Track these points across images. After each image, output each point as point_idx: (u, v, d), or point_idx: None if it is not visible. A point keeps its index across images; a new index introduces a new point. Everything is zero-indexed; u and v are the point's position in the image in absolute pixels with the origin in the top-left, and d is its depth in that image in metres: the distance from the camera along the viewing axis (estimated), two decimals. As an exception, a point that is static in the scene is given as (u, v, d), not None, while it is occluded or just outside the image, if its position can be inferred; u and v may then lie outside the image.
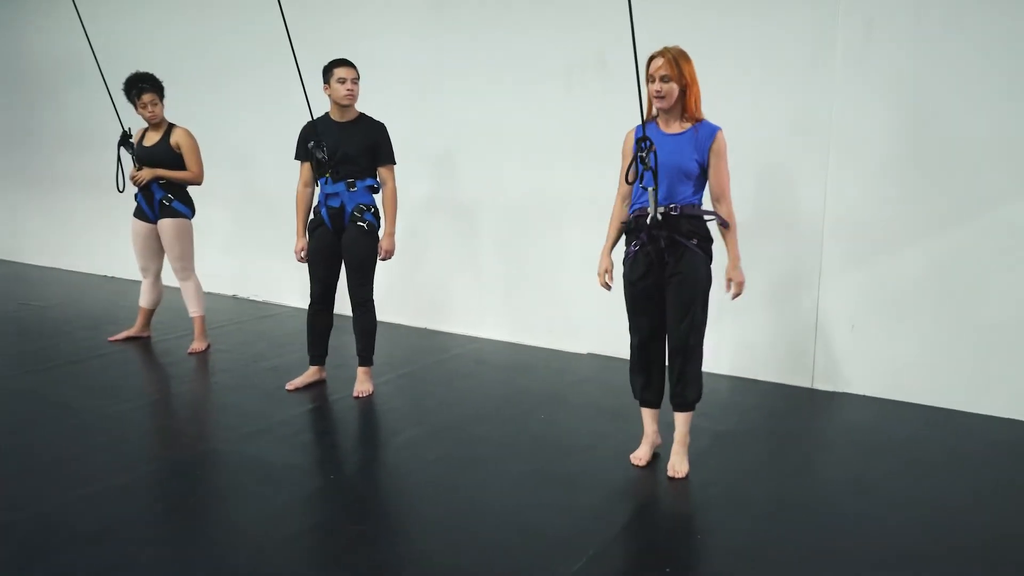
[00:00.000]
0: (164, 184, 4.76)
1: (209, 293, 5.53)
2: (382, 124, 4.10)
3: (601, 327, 4.73)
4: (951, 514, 2.83)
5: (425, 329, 5.48)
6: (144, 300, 5.10)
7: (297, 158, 4.15)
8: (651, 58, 2.98)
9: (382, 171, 4.13)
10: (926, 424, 3.74)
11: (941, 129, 3.82)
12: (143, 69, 4.73)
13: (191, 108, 5.54)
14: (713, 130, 3.02)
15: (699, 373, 3.15)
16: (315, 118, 4.06)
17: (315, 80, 3.97)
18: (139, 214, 4.87)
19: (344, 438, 3.71)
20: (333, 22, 5.59)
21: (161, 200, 4.77)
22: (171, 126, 4.80)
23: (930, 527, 2.73)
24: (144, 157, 4.73)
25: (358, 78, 3.98)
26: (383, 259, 4.17)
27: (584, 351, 4.91)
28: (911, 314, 3.99)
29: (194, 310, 4.93)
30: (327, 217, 4.06)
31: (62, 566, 2.43)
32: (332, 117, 4.05)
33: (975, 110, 3.73)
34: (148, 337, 5.17)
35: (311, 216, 4.17)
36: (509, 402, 4.02)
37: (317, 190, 4.15)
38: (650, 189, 2.91)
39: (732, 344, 4.41)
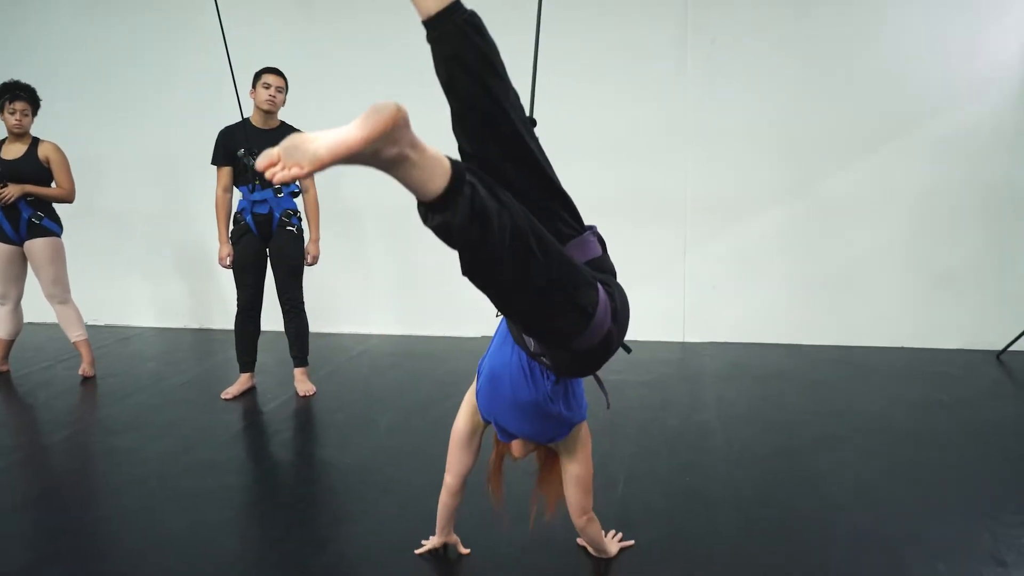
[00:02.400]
0: (32, 201, 4.40)
1: (34, 323, 5.18)
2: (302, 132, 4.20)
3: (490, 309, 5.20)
4: (784, 415, 3.74)
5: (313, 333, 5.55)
6: (2, 330, 4.63)
7: (215, 163, 4.12)
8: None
9: (304, 179, 4.23)
10: (777, 357, 4.71)
11: (773, 123, 4.81)
12: None
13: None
14: None
15: None
16: (233, 124, 4.09)
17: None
18: (-1, 235, 4.45)
19: (335, 429, 3.76)
20: (192, 19, 5.43)
21: (30, 218, 4.40)
22: (36, 139, 4.44)
23: (769, 430, 3.57)
24: (9, 172, 4.33)
25: (284, 88, 4.06)
26: (310, 264, 4.28)
27: (479, 335, 5.34)
28: (760, 272, 4.96)
29: (78, 333, 4.60)
30: (253, 224, 4.10)
31: None
32: (254, 123, 4.09)
33: (798, 107, 4.75)
34: (7, 371, 4.70)
35: (232, 224, 4.17)
36: (442, 381, 4.35)
37: (236, 196, 4.17)
38: None
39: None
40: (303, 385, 4.24)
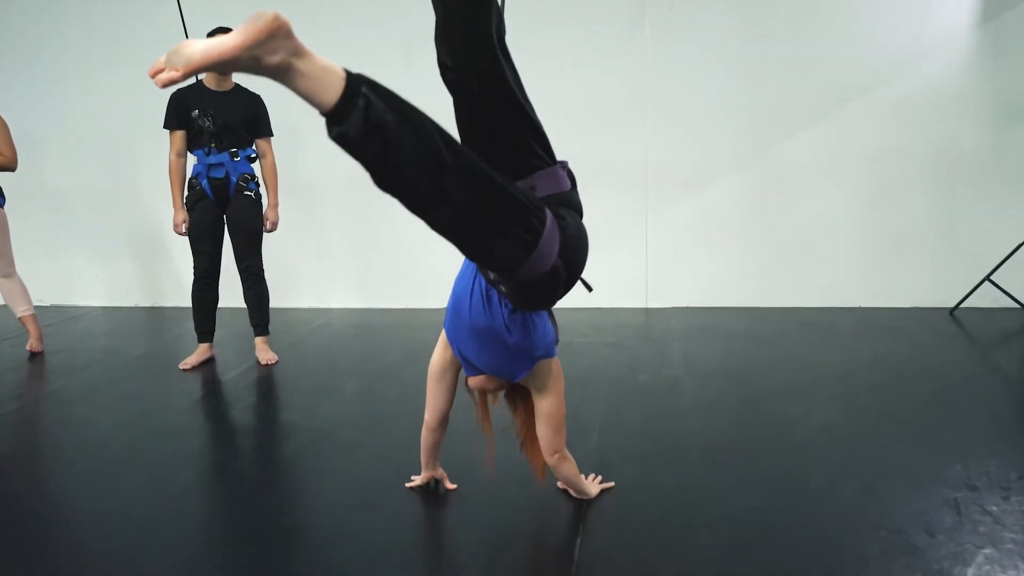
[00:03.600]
0: (-29, 170, 4.22)
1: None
2: (259, 96, 4.09)
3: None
4: (750, 368, 3.81)
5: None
6: (-58, 307, 4.44)
7: (167, 127, 3.98)
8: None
9: (261, 143, 4.13)
10: (740, 319, 4.76)
11: (728, 90, 4.84)
12: None
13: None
14: None
15: None
16: (185, 86, 3.96)
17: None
18: (-64, 207, 4.24)
19: (299, 395, 3.67)
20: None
21: (-30, 188, 4.22)
22: (-27, 106, 4.25)
23: (737, 382, 3.64)
24: (-54, 140, 4.14)
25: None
26: (268, 231, 4.18)
27: (435, 306, 5.28)
28: (721, 238, 4.99)
29: (24, 308, 4.41)
30: (209, 189, 3.98)
31: None
32: (207, 85, 3.97)
33: (754, 75, 4.79)
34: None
35: (187, 189, 4.05)
36: (406, 349, 4.28)
37: (190, 160, 4.04)
38: None
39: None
40: (264, 354, 4.13)
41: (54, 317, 5.31)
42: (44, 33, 5.43)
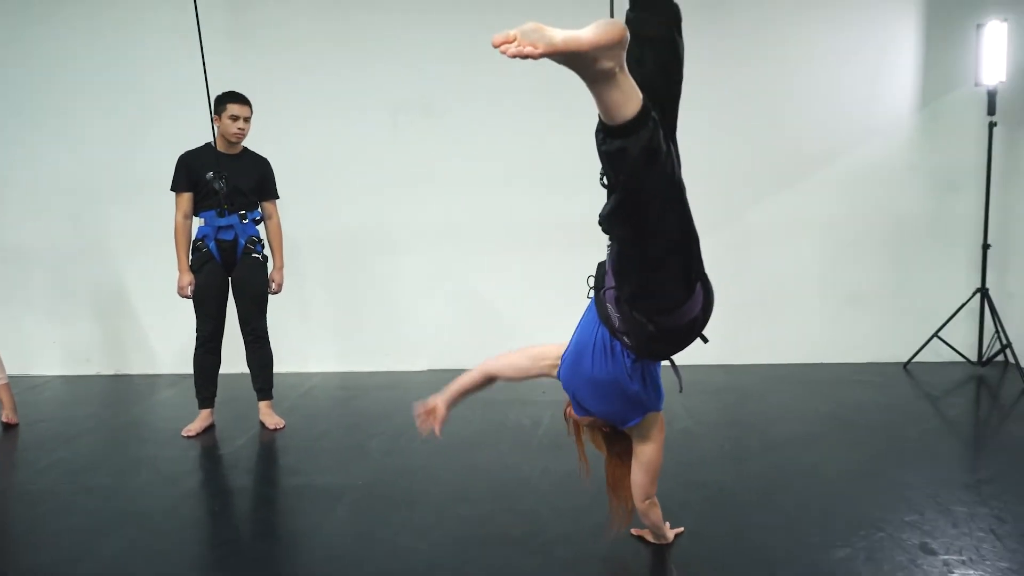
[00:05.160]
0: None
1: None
2: (266, 159, 4.12)
3: (439, 344, 5.24)
4: (752, 419, 4.09)
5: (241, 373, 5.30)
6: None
7: (175, 189, 3.94)
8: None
9: (267, 205, 4.13)
10: (718, 375, 5.01)
11: (699, 160, 5.18)
12: None
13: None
14: None
15: None
16: (194, 148, 3.96)
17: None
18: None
19: (327, 455, 3.58)
20: (113, 41, 5.19)
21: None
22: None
23: (747, 432, 3.94)
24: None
25: (250, 116, 3.98)
26: (274, 292, 4.16)
27: (423, 368, 5.32)
28: (692, 299, 5.29)
29: (-1, 378, 4.18)
30: (216, 251, 3.95)
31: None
32: (219, 149, 3.96)
33: (724, 147, 5.17)
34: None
35: (192, 252, 3.99)
36: (411, 409, 4.29)
37: (197, 223, 4.00)
38: None
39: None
40: (270, 418, 4.06)
41: (13, 386, 4.99)
42: (4, 86, 5.26)
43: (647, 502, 2.45)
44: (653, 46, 1.86)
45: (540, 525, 2.77)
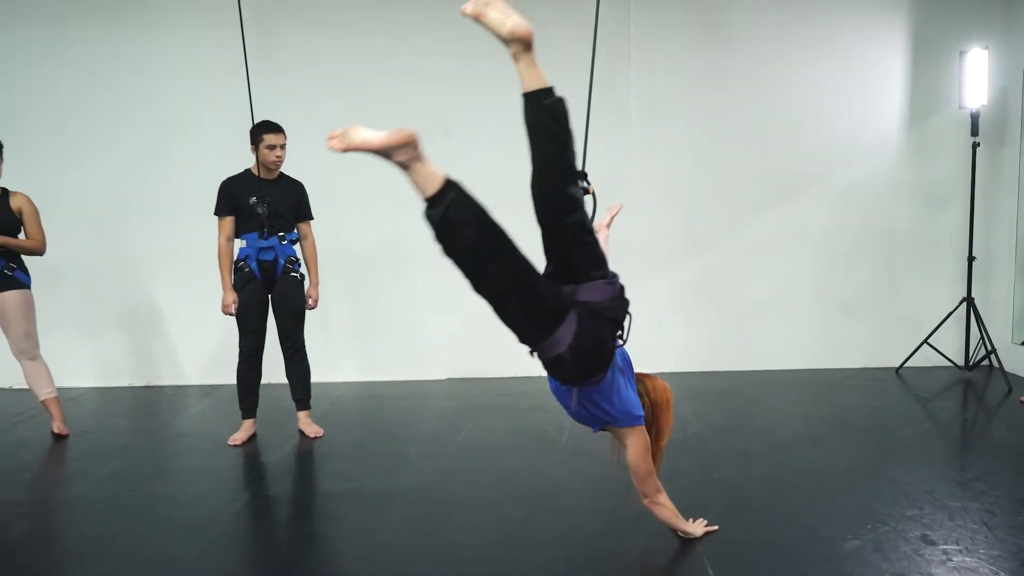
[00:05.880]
0: (3, 252, 4.24)
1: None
2: (301, 183, 4.38)
3: (455, 354, 5.53)
4: (760, 422, 4.41)
5: (275, 384, 5.53)
6: (-39, 390, 4.36)
7: (218, 213, 4.19)
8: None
9: (303, 226, 4.39)
10: (721, 381, 5.34)
11: (703, 177, 5.54)
12: None
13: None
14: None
15: None
16: (235, 175, 4.21)
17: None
18: (-35, 289, 4.22)
19: (371, 461, 3.83)
20: (141, 70, 5.43)
21: (2, 270, 4.23)
22: (5, 190, 4.30)
23: (757, 433, 4.25)
24: (-18, 224, 4.16)
25: (286, 143, 4.23)
26: (311, 308, 4.42)
27: (442, 376, 5.60)
28: (695, 307, 5.62)
29: (48, 390, 4.40)
30: (258, 270, 4.20)
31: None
32: (257, 175, 4.21)
33: (726, 166, 5.51)
34: (-39, 434, 4.41)
35: (234, 272, 4.23)
36: (438, 416, 4.60)
37: (237, 244, 4.25)
38: None
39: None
40: (310, 427, 4.32)
41: (48, 399, 5.23)
42: (36, 107, 5.48)
43: (646, 501, 2.79)
44: (539, 133, 2.38)
45: (577, 522, 3.06)
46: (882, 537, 2.84)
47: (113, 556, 2.85)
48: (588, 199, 2.80)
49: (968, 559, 2.66)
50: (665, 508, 2.82)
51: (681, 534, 2.89)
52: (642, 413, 2.73)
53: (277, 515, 3.30)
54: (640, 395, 2.79)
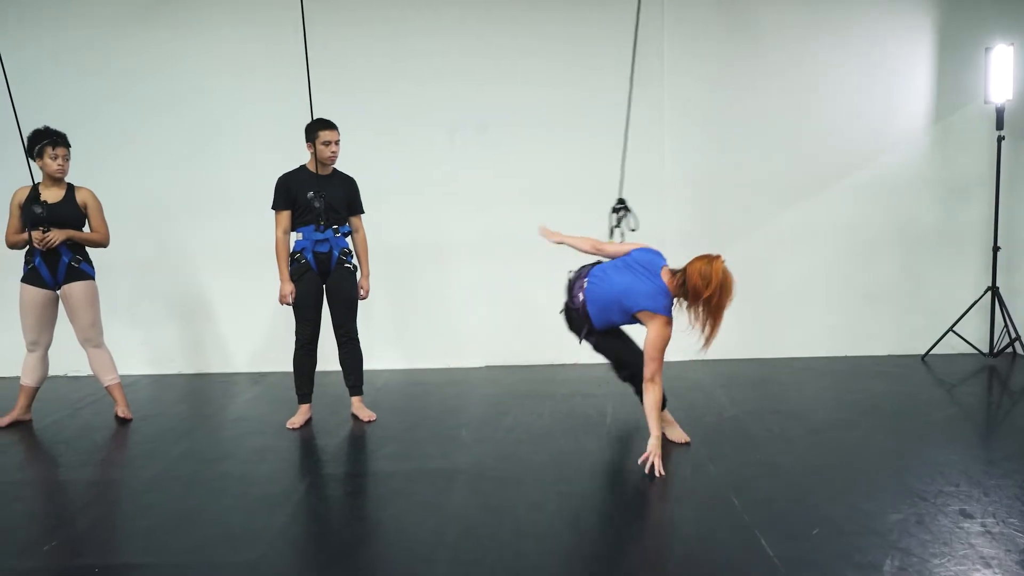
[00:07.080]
0: (70, 245, 4.45)
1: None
2: (353, 178, 4.56)
3: (494, 343, 5.73)
4: (792, 407, 4.59)
5: (323, 371, 5.71)
6: (31, 378, 4.57)
7: (275, 208, 4.37)
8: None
9: (354, 220, 4.58)
10: (752, 368, 5.51)
11: (732, 172, 5.70)
12: None
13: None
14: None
15: None
16: (290, 171, 4.40)
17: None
18: (35, 280, 4.42)
19: (427, 442, 4.03)
20: (186, 67, 5.62)
21: (70, 262, 4.44)
22: (71, 185, 4.50)
23: (792, 417, 4.42)
24: (52, 217, 4.36)
25: (339, 139, 4.42)
26: (363, 298, 4.61)
27: (480, 364, 5.79)
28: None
29: (112, 377, 4.63)
30: (314, 262, 4.39)
31: None
32: (312, 170, 4.40)
33: (755, 161, 5.68)
34: (29, 420, 4.62)
35: (291, 263, 4.42)
36: (483, 402, 4.79)
37: (293, 237, 4.44)
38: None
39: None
40: (363, 412, 4.52)
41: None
42: (83, 104, 5.68)
43: (648, 380, 3.58)
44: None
45: (632, 497, 3.25)
46: (923, 511, 3.03)
47: (202, 528, 3.06)
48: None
49: (1006, 530, 2.84)
50: (655, 392, 3.59)
51: (651, 431, 3.51)
52: (662, 304, 3.57)
53: (347, 491, 3.49)
54: (679, 285, 3.64)
